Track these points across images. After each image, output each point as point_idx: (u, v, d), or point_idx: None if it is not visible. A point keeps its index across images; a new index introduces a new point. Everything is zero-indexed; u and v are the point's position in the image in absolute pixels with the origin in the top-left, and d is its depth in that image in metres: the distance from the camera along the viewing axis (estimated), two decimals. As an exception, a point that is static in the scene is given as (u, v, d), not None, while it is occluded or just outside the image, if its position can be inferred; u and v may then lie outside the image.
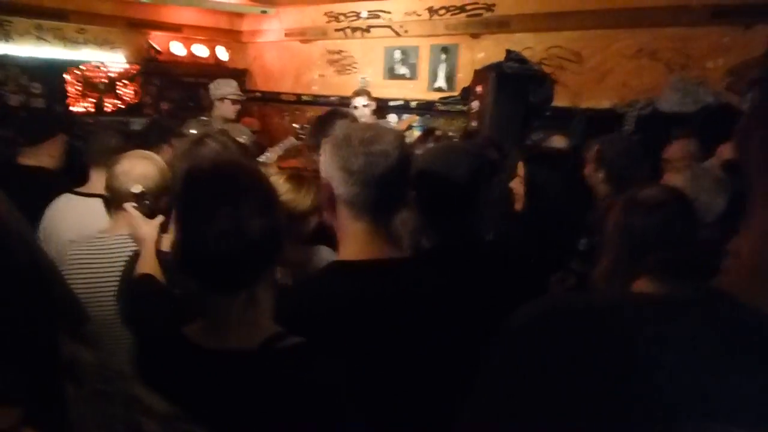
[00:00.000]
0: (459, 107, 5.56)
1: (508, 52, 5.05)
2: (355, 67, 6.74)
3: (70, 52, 6.36)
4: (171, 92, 7.11)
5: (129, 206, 1.98)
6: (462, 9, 5.62)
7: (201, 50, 7.39)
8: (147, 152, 2.21)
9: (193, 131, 3.28)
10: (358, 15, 6.48)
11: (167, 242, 1.85)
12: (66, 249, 2.14)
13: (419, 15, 5.96)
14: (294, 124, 6.13)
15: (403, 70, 6.28)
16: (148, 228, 1.92)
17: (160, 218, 1.97)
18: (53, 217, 2.54)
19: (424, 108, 6.00)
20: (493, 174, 1.83)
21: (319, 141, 2.05)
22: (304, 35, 7.09)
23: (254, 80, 7.93)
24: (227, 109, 4.84)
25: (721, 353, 0.53)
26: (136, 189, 2.00)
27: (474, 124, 4.85)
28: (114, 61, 6.64)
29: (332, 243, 1.53)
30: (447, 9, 5.74)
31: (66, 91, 6.23)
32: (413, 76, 6.21)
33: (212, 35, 7.54)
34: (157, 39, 7.00)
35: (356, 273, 1.33)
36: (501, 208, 2.62)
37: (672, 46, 4.52)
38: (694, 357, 0.50)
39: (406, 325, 1.30)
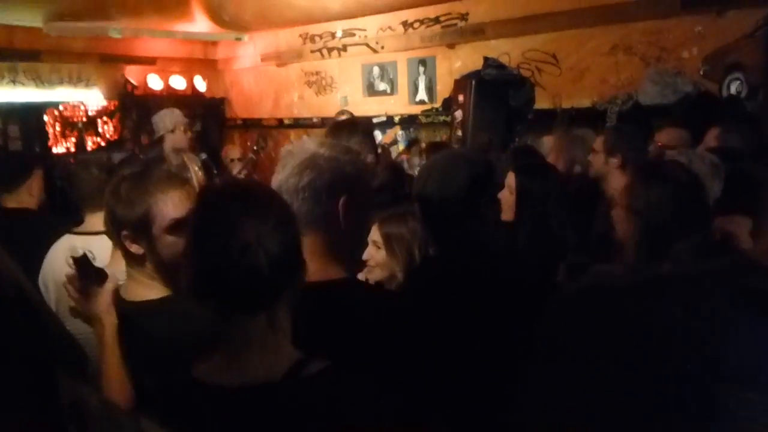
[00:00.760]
0: (442, 118, 5.58)
1: (486, 59, 5.09)
2: (334, 87, 6.75)
3: (46, 93, 6.33)
4: (150, 125, 7.05)
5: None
6: (436, 20, 5.66)
7: (178, 81, 7.36)
8: None
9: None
10: (333, 35, 6.50)
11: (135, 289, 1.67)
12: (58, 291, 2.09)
13: (394, 30, 5.99)
14: (248, 142, 6.18)
15: (382, 85, 6.30)
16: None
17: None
18: (56, 259, 2.47)
19: (408, 122, 6.01)
20: (494, 179, 1.80)
21: None
22: (280, 59, 7.10)
23: (233, 107, 7.92)
24: (179, 139, 4.61)
25: (746, 322, 0.54)
26: None
27: (458, 133, 4.86)
28: (91, 98, 6.61)
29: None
30: (421, 22, 5.77)
31: (45, 132, 6.19)
32: (393, 91, 6.23)
33: (187, 65, 7.52)
34: (132, 73, 6.97)
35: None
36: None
37: (646, 39, 4.57)
38: (722, 326, 0.52)
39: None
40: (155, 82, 7.12)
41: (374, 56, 6.26)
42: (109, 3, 5.46)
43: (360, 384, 1.07)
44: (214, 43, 7.64)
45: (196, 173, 2.76)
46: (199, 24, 6.48)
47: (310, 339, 1.09)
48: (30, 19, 5.66)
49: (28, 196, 3.03)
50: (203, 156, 5.24)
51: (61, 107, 6.32)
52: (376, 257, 2.03)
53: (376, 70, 6.30)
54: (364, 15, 6.04)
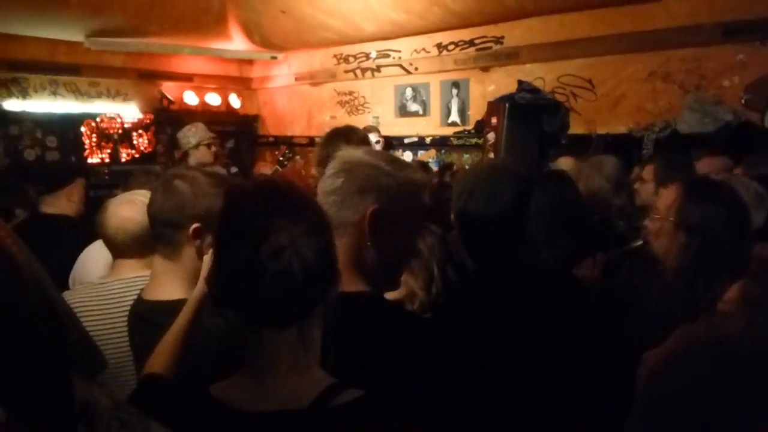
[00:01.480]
0: (473, 140, 5.53)
1: (520, 82, 5.04)
2: (367, 107, 6.77)
3: (84, 105, 6.48)
4: (184, 140, 7.17)
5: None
6: (471, 43, 5.65)
7: (213, 98, 7.50)
8: (137, 192, 2.14)
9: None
10: (367, 56, 6.53)
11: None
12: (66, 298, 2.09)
13: (428, 52, 6.00)
14: (275, 152, 6.19)
15: (414, 107, 6.29)
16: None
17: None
18: (84, 264, 2.51)
19: (439, 143, 5.98)
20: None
21: (327, 154, 1.98)
22: (314, 78, 7.15)
23: (266, 125, 7.99)
24: (203, 155, 4.69)
25: None
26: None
27: (491, 155, 4.80)
28: (127, 111, 6.74)
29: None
30: (456, 44, 5.77)
31: (82, 143, 6.33)
32: (425, 113, 6.22)
33: (223, 83, 7.65)
34: (169, 89, 7.11)
35: None
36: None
37: (685, 67, 4.49)
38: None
39: None
40: (191, 98, 7.25)
41: (407, 77, 6.27)
42: (149, 21, 5.58)
43: (396, 420, 0.94)
44: (250, 62, 7.75)
45: None
46: (236, 43, 6.59)
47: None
48: (72, 34, 5.81)
49: (67, 202, 3.12)
50: (234, 170, 5.29)
51: (98, 119, 6.45)
52: None
53: (408, 91, 6.31)
54: (398, 37, 6.06)
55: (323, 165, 1.73)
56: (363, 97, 6.80)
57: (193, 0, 5.36)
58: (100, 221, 2.05)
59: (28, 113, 5.97)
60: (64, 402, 0.78)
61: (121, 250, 2.05)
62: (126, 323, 1.78)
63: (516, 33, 5.35)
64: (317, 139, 7.16)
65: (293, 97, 7.59)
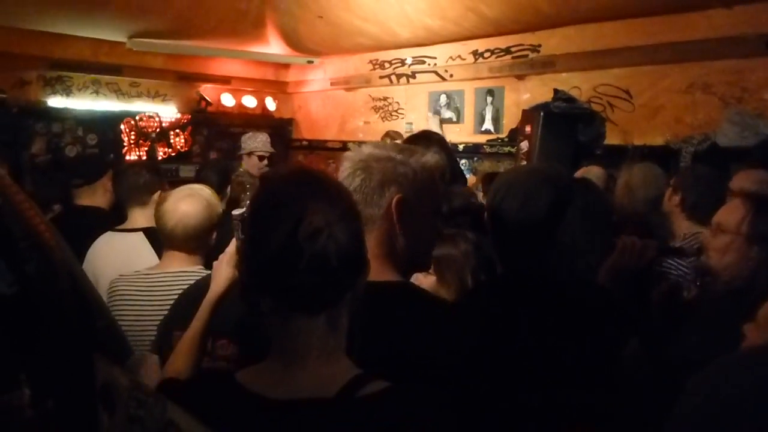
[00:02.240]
0: (507, 149, 5.49)
1: (556, 91, 4.99)
2: (401, 113, 6.78)
3: (124, 105, 6.64)
4: (219, 141, 7.31)
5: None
6: (507, 51, 5.61)
7: (250, 101, 7.62)
8: (194, 187, 2.19)
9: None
10: (402, 62, 6.55)
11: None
12: (110, 284, 2.14)
13: (464, 59, 5.98)
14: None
15: (448, 113, 6.28)
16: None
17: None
18: (94, 254, 2.59)
19: (472, 151, 5.95)
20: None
21: None
22: (349, 84, 7.20)
23: (300, 129, 8.07)
24: (252, 164, 4.91)
25: None
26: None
27: (523, 164, 4.76)
28: (165, 110, 6.89)
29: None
30: (492, 52, 5.74)
31: (121, 141, 6.49)
32: (459, 120, 6.20)
33: (259, 86, 7.75)
34: (207, 91, 7.24)
35: None
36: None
37: (725, 79, 4.38)
38: None
39: None
40: (228, 100, 7.37)
41: (442, 84, 6.26)
42: (189, 24, 5.70)
43: (423, 414, 0.93)
44: (286, 66, 7.84)
45: None
46: (273, 47, 6.67)
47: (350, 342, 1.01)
48: (114, 34, 5.96)
49: (103, 192, 3.20)
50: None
51: (137, 117, 6.61)
52: (424, 282, 1.86)
53: (443, 98, 6.30)
54: (433, 44, 6.06)
55: None
56: (397, 102, 6.81)
57: (232, 4, 5.45)
58: (160, 213, 2.09)
59: (71, 110, 6.13)
60: (86, 383, 0.80)
61: (175, 242, 2.10)
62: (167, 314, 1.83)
63: (552, 41, 5.30)
64: (350, 144, 7.23)
65: (327, 101, 7.65)
